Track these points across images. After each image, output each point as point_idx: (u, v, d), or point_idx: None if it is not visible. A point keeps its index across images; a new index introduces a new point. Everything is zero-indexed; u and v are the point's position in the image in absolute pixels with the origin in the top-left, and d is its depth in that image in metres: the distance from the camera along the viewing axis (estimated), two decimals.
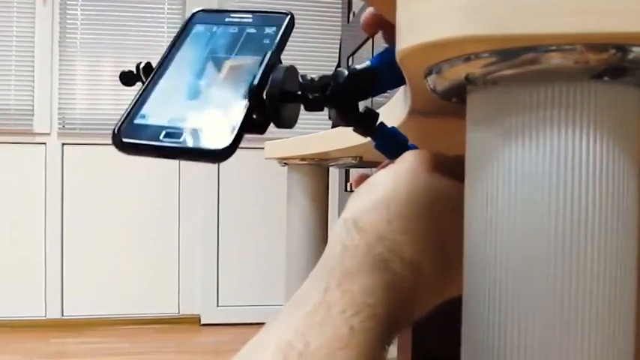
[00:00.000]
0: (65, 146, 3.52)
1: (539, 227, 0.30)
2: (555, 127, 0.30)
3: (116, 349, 3.01)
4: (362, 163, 1.36)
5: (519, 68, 0.30)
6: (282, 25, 0.41)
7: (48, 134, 3.50)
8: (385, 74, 0.40)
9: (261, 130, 0.37)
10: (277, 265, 3.35)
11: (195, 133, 0.36)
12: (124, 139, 0.37)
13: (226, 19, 0.43)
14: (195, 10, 0.44)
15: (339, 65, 2.34)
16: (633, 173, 0.31)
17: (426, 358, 1.15)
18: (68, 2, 3.49)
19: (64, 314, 3.40)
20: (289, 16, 0.41)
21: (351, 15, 2.16)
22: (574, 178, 0.30)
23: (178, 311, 3.60)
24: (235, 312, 3.62)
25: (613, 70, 0.29)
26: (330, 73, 0.40)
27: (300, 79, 0.39)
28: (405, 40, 0.33)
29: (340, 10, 2.53)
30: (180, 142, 0.36)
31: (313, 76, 0.39)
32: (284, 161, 1.58)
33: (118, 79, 0.47)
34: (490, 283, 0.32)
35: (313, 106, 0.39)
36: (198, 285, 3.61)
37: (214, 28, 0.43)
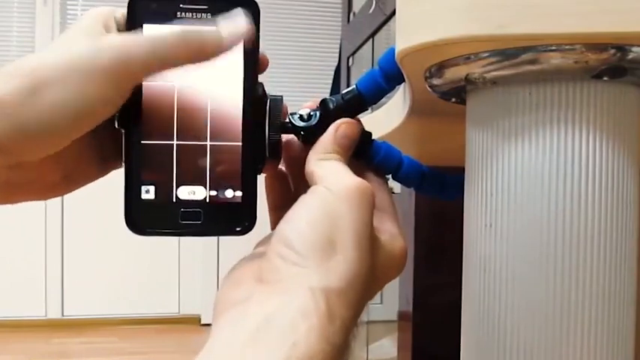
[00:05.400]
0: None
1: (538, 226, 0.30)
2: (555, 127, 0.30)
3: (116, 349, 3.01)
4: None
5: (519, 68, 0.30)
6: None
7: None
8: (371, 95, 0.39)
9: (262, 169, 0.37)
10: None
11: (212, 210, 0.35)
12: (145, 229, 0.35)
13: (178, 15, 0.35)
14: None
15: (339, 65, 2.34)
16: (633, 172, 0.31)
17: (426, 358, 1.15)
18: (68, 2, 3.49)
19: (65, 314, 3.39)
20: (254, 6, 0.35)
21: (351, 15, 2.15)
22: (574, 178, 0.30)
23: (178, 311, 3.59)
24: None
25: (613, 70, 0.29)
26: (321, 96, 0.39)
27: (289, 118, 0.38)
28: (405, 40, 0.33)
29: (340, 10, 2.53)
30: (200, 224, 0.35)
31: (302, 112, 0.38)
32: None
33: None
34: (489, 282, 0.32)
35: (306, 139, 0.38)
36: (198, 285, 3.60)
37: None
